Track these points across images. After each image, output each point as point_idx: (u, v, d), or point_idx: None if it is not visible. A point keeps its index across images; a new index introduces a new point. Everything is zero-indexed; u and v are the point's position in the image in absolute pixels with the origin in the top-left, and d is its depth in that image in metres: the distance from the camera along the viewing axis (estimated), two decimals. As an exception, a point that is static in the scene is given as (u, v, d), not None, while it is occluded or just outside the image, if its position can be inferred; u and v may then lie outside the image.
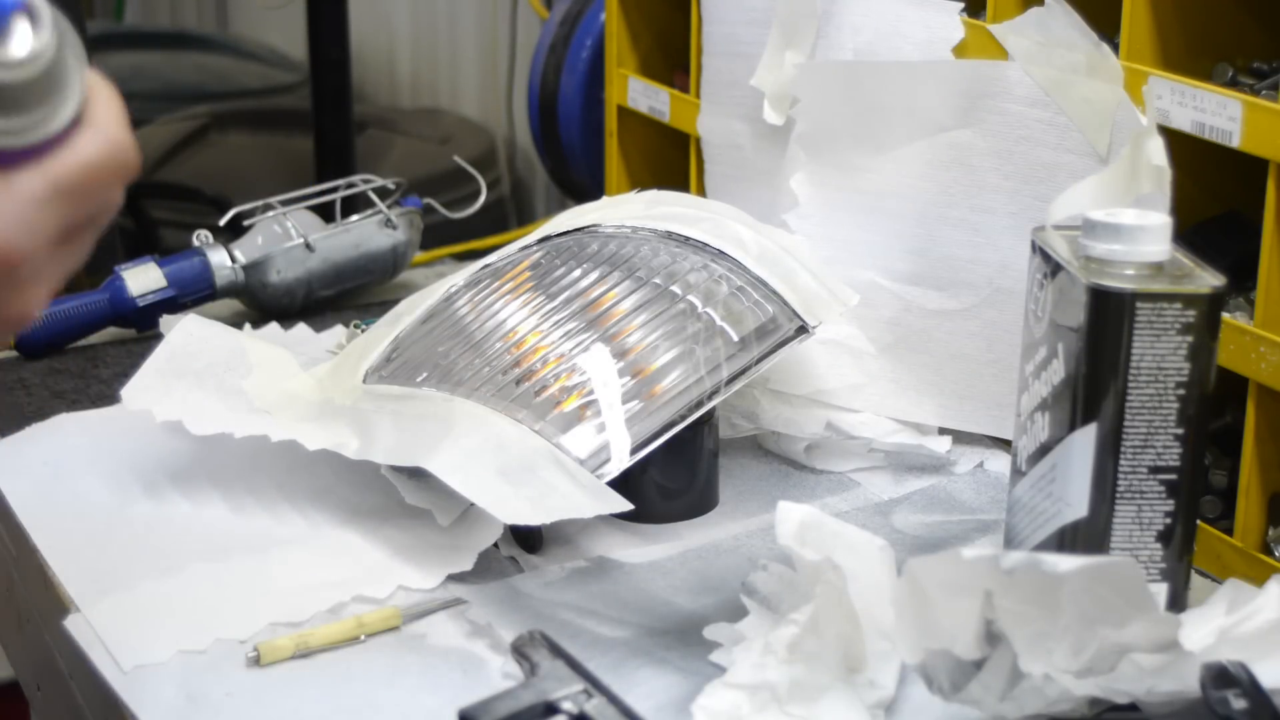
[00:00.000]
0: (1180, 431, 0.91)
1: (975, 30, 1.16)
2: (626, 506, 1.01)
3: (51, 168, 0.66)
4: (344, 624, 0.96)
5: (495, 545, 1.04)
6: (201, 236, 1.41)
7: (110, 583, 1.01)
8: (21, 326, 0.69)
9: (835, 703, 0.87)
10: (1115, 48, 1.07)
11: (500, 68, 2.58)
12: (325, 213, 1.46)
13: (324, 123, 2.31)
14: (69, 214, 0.67)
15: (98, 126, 0.68)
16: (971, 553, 0.80)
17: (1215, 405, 0.95)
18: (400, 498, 1.07)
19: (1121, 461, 0.92)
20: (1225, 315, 1.00)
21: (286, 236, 1.41)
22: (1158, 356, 0.90)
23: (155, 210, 2.45)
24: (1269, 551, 1.04)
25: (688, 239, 1.16)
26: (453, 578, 1.02)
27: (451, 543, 1.04)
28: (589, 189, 1.68)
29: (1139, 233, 0.92)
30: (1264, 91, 1.04)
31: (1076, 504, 0.93)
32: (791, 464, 1.19)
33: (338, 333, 1.36)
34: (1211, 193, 1.12)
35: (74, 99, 0.67)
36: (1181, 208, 1.00)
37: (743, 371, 1.08)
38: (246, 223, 1.42)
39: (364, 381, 1.13)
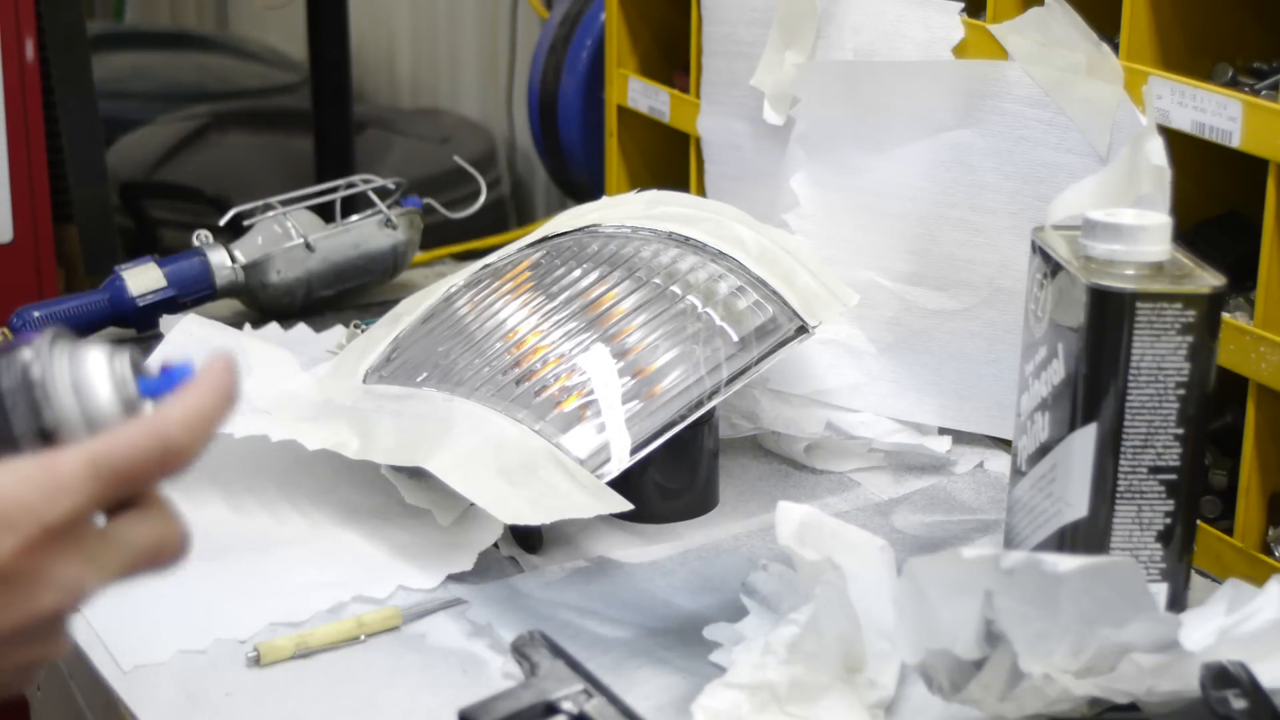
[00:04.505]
0: (1180, 431, 0.91)
1: (975, 30, 1.16)
2: (626, 506, 1.01)
3: (93, 449, 0.67)
4: (344, 624, 0.96)
5: (495, 545, 1.04)
6: (201, 236, 1.40)
7: (110, 583, 1.01)
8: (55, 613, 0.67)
9: (835, 703, 0.87)
10: (1115, 48, 1.07)
11: (500, 68, 2.57)
12: (325, 213, 1.46)
13: (324, 123, 2.31)
14: (101, 494, 0.67)
15: (156, 424, 0.69)
16: (971, 553, 0.80)
17: (1215, 405, 0.95)
18: (400, 498, 1.06)
19: (1121, 461, 0.92)
20: (1225, 315, 1.00)
21: (286, 236, 1.41)
22: (1158, 356, 0.90)
23: (155, 210, 2.44)
24: (1269, 551, 1.04)
25: (688, 239, 1.16)
26: (453, 578, 1.02)
27: (451, 543, 1.04)
28: (589, 189, 1.68)
29: (1139, 233, 0.92)
30: (1264, 91, 1.04)
31: (1076, 504, 0.93)
32: (791, 464, 1.19)
33: (338, 333, 1.36)
34: (1211, 193, 1.11)
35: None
36: (1181, 208, 1.00)
37: (743, 371, 1.08)
38: (246, 223, 1.42)
39: (364, 381, 1.13)
